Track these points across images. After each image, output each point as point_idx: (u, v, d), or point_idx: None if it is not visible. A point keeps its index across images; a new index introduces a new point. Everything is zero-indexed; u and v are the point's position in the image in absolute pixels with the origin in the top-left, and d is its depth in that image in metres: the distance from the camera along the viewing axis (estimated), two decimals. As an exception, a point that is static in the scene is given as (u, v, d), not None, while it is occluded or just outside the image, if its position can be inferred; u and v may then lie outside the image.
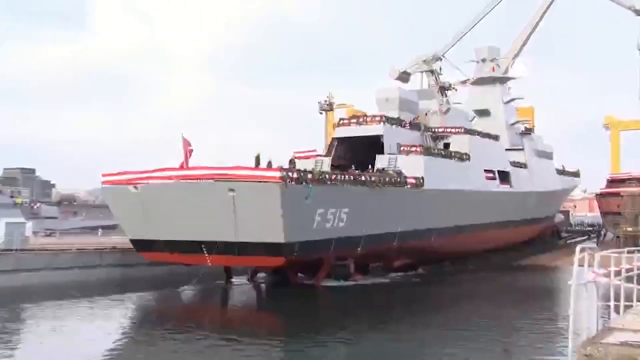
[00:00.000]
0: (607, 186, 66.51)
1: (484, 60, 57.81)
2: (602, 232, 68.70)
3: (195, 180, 29.09)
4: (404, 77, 53.31)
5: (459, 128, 45.98)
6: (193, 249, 29.37)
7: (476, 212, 43.93)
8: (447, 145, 44.78)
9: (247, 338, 19.32)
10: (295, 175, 28.70)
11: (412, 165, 37.56)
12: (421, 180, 37.31)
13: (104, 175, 31.14)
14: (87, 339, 19.82)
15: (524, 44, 60.16)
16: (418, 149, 38.85)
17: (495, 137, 50.72)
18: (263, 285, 34.67)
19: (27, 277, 29.76)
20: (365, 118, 41.21)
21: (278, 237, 27.75)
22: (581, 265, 9.10)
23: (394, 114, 42.31)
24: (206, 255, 29.25)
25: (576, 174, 69.43)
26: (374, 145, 39.17)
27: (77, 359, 17.13)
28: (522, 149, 55.91)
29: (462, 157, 43.51)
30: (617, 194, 59.70)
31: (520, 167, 53.77)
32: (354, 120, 41.60)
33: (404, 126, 41.95)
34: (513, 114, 59.84)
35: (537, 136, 61.79)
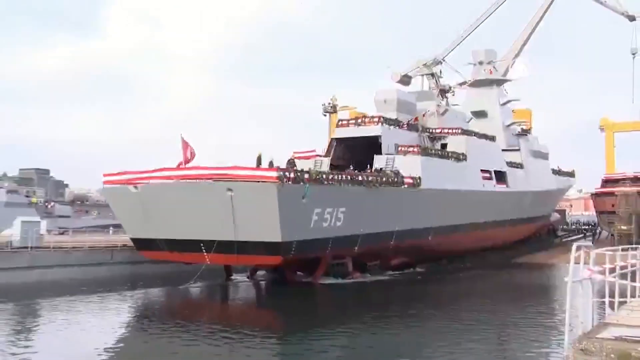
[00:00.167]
0: (602, 186, 66.29)
1: (481, 63, 57.31)
2: (598, 231, 68.46)
3: (195, 180, 28.51)
4: (405, 80, 53.03)
5: (456, 129, 45.34)
6: (192, 248, 28.77)
7: (473, 211, 43.34)
8: (444, 146, 44.12)
9: (246, 334, 19.01)
10: (292, 175, 28.01)
11: (409, 165, 36.92)
12: (418, 180, 36.65)
13: (105, 175, 30.58)
14: (99, 332, 20.17)
15: (524, 44, 59.85)
16: (415, 150, 38.17)
17: (492, 138, 50.11)
18: (262, 283, 34.09)
19: (41, 274, 29.94)
20: (363, 119, 40.56)
21: (275, 236, 27.10)
22: (577, 262, 9.16)
23: (392, 115, 41.69)
24: (205, 254, 28.63)
25: (571, 174, 69.03)
26: (373, 145, 38.57)
27: (89, 349, 17.38)
28: (518, 150, 55.45)
29: (459, 157, 42.84)
30: (612, 194, 59.69)
31: (517, 167, 53.23)
32: (353, 121, 40.94)
33: (402, 127, 41.32)
34: (509, 115, 59.43)
35: (533, 137, 61.38)
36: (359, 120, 40.62)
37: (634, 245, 17.49)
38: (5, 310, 23.72)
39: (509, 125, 57.01)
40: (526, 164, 55.26)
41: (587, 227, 75.95)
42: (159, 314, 24.47)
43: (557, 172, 64.29)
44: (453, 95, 54.40)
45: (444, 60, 55.28)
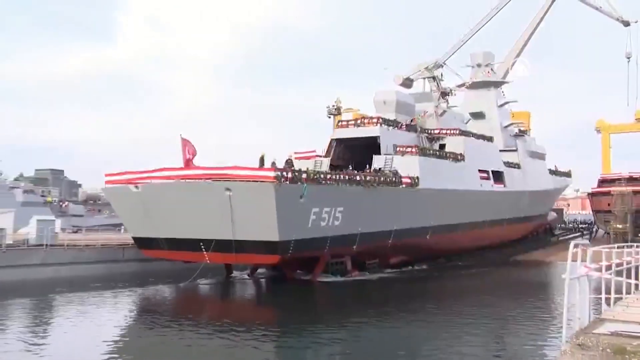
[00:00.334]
0: (599, 186, 66.57)
1: (479, 65, 56.54)
2: (594, 229, 67.91)
3: (194, 180, 27.88)
4: (408, 83, 52.55)
5: (454, 130, 44.53)
6: (192, 247, 28.18)
7: (471, 210, 42.57)
8: (442, 146, 43.32)
9: (245, 330, 18.65)
10: (289, 175, 27.30)
11: (407, 166, 36.18)
12: (416, 180, 35.88)
13: (106, 175, 30.01)
14: (114, 326, 20.37)
15: (523, 47, 59.03)
16: (413, 150, 37.37)
17: (490, 139, 49.31)
18: (262, 281, 33.47)
19: (55, 270, 30.02)
20: (362, 120, 39.79)
21: (273, 235, 26.45)
22: (574, 260, 9.03)
23: (391, 116, 40.96)
24: (204, 253, 28.01)
25: (568, 174, 68.19)
26: (372, 146, 37.86)
27: (102, 341, 17.60)
28: (515, 150, 54.58)
29: (457, 157, 42.04)
30: (608, 193, 60.11)
31: (514, 168, 52.35)
32: (352, 122, 40.17)
33: (401, 128, 40.53)
34: (507, 116, 58.60)
35: (530, 138, 60.64)
36: (358, 121, 39.90)
37: (629, 243, 17.25)
38: (22, 304, 24.07)
39: (506, 126, 56.17)
40: (523, 164, 54.42)
41: (584, 225, 75.06)
42: (166, 310, 24.13)
43: (554, 172, 63.46)
44: (454, 96, 53.76)
45: (445, 64, 54.77)
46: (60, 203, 73.50)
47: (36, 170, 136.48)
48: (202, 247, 27.93)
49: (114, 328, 19.81)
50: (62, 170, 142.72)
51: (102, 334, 18.43)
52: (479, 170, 45.05)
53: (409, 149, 37.36)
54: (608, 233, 56.47)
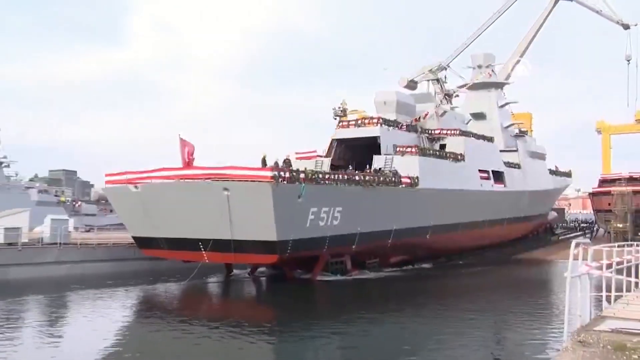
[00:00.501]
0: (599, 186, 65.85)
1: (479, 67, 55.47)
2: (595, 228, 67.04)
3: (194, 180, 27.14)
4: (412, 85, 52.00)
5: (454, 130, 43.55)
6: (191, 246, 27.45)
7: (471, 210, 41.62)
8: (443, 147, 42.34)
9: (244, 329, 18.24)
10: (287, 174, 26.50)
11: (407, 166, 35.30)
12: (416, 180, 34.99)
13: (106, 175, 29.34)
14: (126, 321, 20.81)
15: (526, 49, 58.13)
16: (413, 150, 36.46)
17: (490, 139, 48.25)
18: (262, 280, 32.77)
19: (69, 268, 30.12)
20: (363, 120, 38.89)
21: (270, 235, 25.69)
22: (576, 259, 8.97)
23: (391, 116, 40.08)
24: (203, 252, 27.28)
25: (568, 174, 67.11)
26: (372, 146, 37.00)
27: (115, 334, 18.22)
28: (516, 151, 53.53)
29: (457, 157, 41.07)
30: (608, 193, 59.36)
31: (514, 168, 51.29)
32: (353, 122, 39.29)
33: (401, 128, 39.63)
34: (507, 117, 57.60)
35: (530, 138, 59.66)
36: (359, 122, 38.99)
37: (629, 242, 17.23)
38: (38, 300, 24.06)
39: (507, 127, 55.17)
40: (523, 164, 53.37)
41: (585, 224, 74.08)
42: (171, 309, 23.77)
43: (554, 172, 62.38)
44: (457, 97, 53.14)
45: (448, 66, 54.27)
46: (74, 203, 73.38)
47: (50, 171, 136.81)
48: (201, 246, 27.20)
49: (116, 324, 19.88)
50: (75, 171, 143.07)
51: (102, 333, 18.31)
52: (479, 170, 44.05)
53: (409, 149, 36.48)
54: (608, 232, 55.99)
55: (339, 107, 69.24)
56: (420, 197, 35.31)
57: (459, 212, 39.70)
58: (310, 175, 27.92)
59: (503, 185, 47.55)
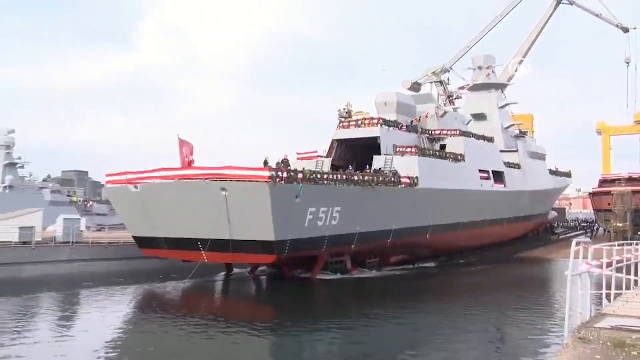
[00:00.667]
0: (599, 185, 65.00)
1: (480, 68, 54.63)
2: (595, 227, 66.38)
3: (193, 180, 26.56)
4: (416, 87, 51.60)
5: (454, 130, 42.77)
6: (190, 246, 26.87)
7: (471, 210, 40.85)
8: (443, 147, 41.56)
9: (244, 327, 18.00)
10: (285, 174, 25.86)
11: (407, 166, 34.57)
12: (415, 180, 34.26)
13: (107, 175, 28.82)
14: (135, 318, 20.90)
15: (527, 51, 57.47)
16: (413, 150, 35.72)
17: (490, 139, 47.45)
18: (262, 278, 32.13)
19: (81, 266, 30.25)
20: (363, 120, 38.20)
21: (268, 235, 25.06)
22: (576, 257, 8.97)
23: (391, 116, 39.34)
24: (202, 252, 26.68)
25: (568, 174, 66.33)
26: (372, 146, 36.29)
27: (124, 330, 18.51)
28: (516, 151, 52.73)
29: (457, 157, 40.30)
30: (608, 193, 58.58)
31: (514, 168, 50.46)
32: (353, 123, 38.62)
33: (401, 128, 38.89)
34: (508, 117, 56.79)
35: (530, 139, 58.96)
36: (359, 122, 38.31)
37: (629, 241, 17.17)
38: (51, 297, 24.29)
39: (507, 127, 54.35)
40: (523, 164, 52.54)
41: (585, 224, 73.31)
42: (173, 307, 23.50)
43: (554, 172, 61.61)
44: (460, 98, 52.63)
45: (451, 69, 53.68)
46: (85, 202, 73.38)
47: (62, 171, 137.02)
48: (200, 246, 26.61)
49: (125, 320, 20.03)
50: (87, 172, 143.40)
51: (111, 329, 18.32)
52: (479, 170, 43.28)
53: (409, 149, 35.76)
54: (608, 231, 55.42)
55: (344, 109, 68.87)
56: (419, 197, 34.59)
57: (459, 211, 38.96)
58: (308, 175, 27.26)
59: (503, 185, 46.75)
